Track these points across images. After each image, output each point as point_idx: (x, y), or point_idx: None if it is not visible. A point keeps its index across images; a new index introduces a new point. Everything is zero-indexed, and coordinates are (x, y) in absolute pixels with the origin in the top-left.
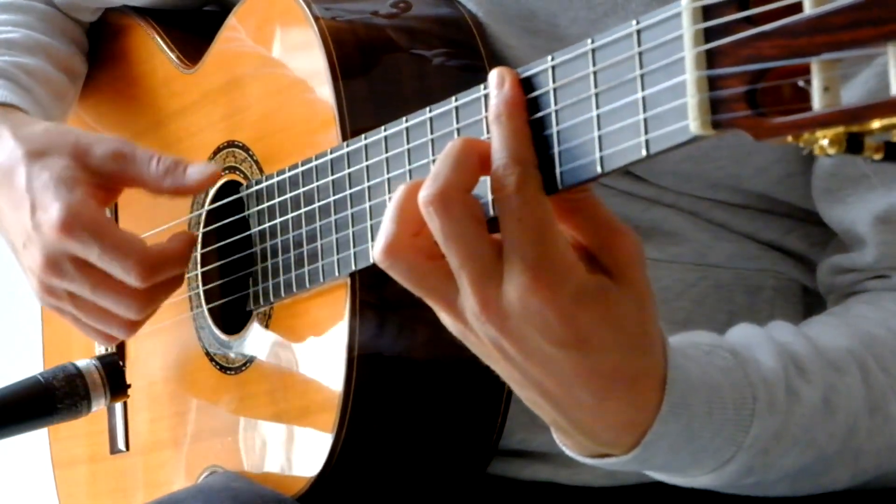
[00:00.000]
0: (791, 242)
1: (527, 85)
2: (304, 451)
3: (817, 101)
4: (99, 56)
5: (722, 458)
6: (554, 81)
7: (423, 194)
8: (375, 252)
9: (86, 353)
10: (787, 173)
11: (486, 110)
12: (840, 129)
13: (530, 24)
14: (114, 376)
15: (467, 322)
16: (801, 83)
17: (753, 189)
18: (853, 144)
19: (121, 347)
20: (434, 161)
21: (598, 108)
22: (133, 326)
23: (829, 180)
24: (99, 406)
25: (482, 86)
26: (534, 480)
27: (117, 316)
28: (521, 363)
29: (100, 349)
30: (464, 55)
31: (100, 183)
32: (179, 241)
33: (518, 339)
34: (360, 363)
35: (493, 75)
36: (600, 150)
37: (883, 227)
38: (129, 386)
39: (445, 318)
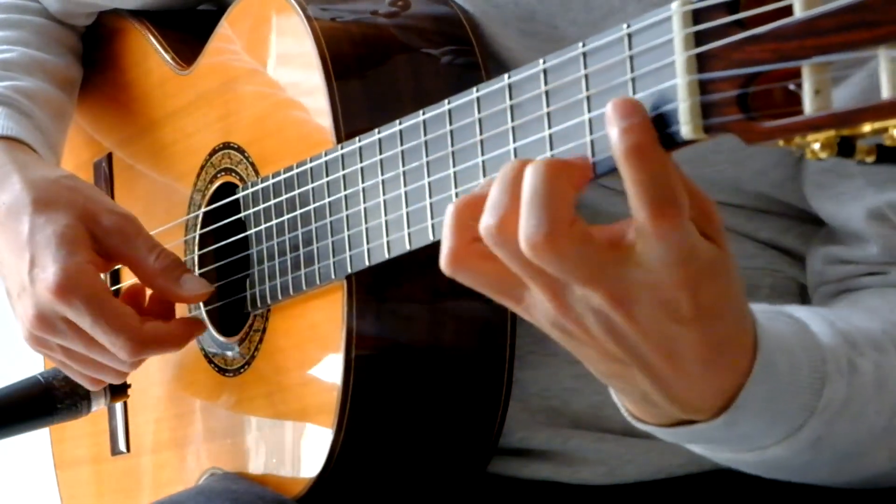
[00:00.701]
0: (788, 241)
1: (517, 88)
2: (304, 453)
3: (808, 105)
4: (94, 59)
5: (795, 423)
6: (546, 84)
7: (527, 243)
8: (443, 264)
9: None
10: (785, 177)
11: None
12: (831, 133)
13: (528, 25)
14: None
15: (575, 314)
16: (792, 87)
17: (753, 192)
18: (845, 148)
19: None
20: (428, 164)
21: (589, 111)
22: (124, 376)
23: (822, 175)
24: (99, 406)
25: (475, 88)
26: (533, 479)
27: (108, 367)
28: (635, 344)
29: None
30: (459, 54)
31: (100, 251)
32: (183, 326)
33: (641, 323)
34: (358, 364)
35: (618, 105)
36: (593, 154)
37: (878, 223)
38: (129, 386)
39: (543, 303)
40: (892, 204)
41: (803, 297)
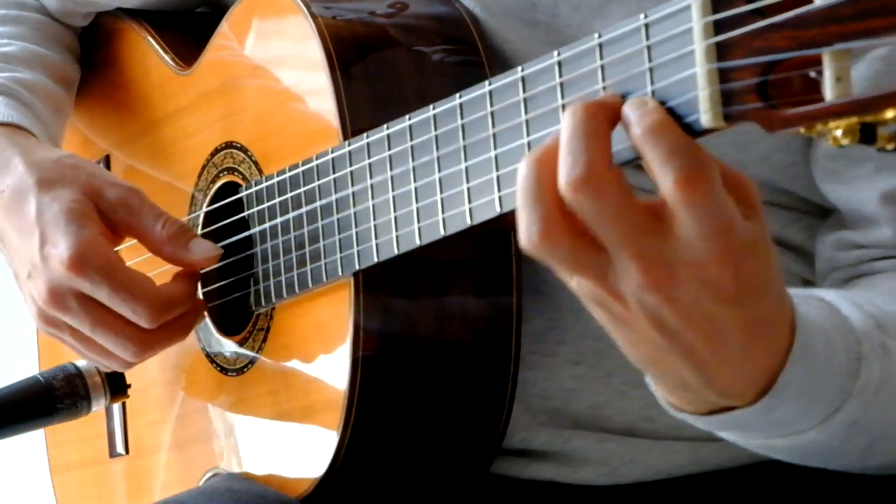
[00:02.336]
0: (792, 234)
1: (531, 80)
2: (309, 452)
3: (829, 92)
4: (92, 60)
5: (832, 406)
6: (560, 76)
7: (566, 180)
8: (527, 241)
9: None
10: (789, 162)
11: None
12: (853, 120)
13: (530, 15)
14: (114, 376)
15: (620, 294)
16: (812, 74)
17: (756, 177)
18: (866, 134)
19: None
20: (439, 159)
21: None
22: (127, 366)
23: (834, 161)
24: (99, 406)
25: (487, 82)
26: (535, 479)
27: (114, 355)
28: (677, 329)
29: None
30: (462, 52)
31: (107, 224)
32: (184, 281)
33: (683, 305)
34: (365, 362)
35: (630, 103)
36: None
37: (892, 206)
38: (129, 386)
39: (587, 288)
40: None
41: None
